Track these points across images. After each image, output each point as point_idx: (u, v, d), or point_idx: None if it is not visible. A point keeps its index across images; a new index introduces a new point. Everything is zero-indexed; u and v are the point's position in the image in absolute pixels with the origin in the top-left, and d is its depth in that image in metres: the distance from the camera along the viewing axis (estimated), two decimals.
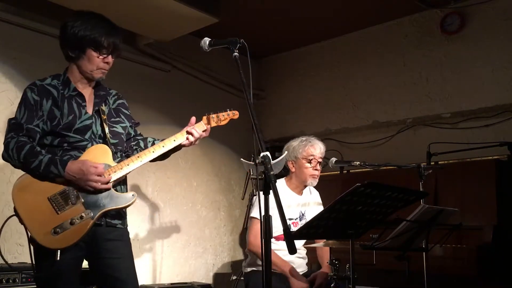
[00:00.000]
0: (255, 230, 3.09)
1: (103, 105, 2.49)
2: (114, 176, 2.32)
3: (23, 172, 2.21)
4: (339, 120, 5.24)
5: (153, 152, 2.43)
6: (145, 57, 4.72)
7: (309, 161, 3.18)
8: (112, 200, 2.32)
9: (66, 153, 2.33)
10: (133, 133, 2.62)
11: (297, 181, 3.26)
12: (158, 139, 2.59)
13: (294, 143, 3.27)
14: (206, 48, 2.25)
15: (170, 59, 4.87)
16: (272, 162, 1.84)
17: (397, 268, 3.11)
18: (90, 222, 2.27)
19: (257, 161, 1.83)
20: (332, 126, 5.27)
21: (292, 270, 3.05)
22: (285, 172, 3.30)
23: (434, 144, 3.83)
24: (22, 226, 2.34)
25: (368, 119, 5.02)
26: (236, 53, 2.09)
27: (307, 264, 3.36)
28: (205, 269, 5.10)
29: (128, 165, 2.36)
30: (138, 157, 2.39)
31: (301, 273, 3.22)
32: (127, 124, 2.57)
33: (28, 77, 3.94)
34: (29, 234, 2.26)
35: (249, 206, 3.86)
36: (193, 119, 2.58)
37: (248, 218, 3.35)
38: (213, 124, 2.66)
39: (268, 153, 1.82)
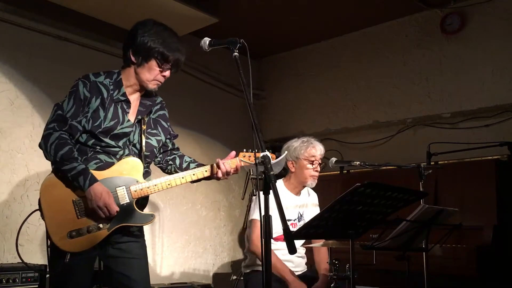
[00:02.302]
0: (258, 231, 3.08)
1: (146, 115, 2.48)
2: (139, 194, 2.35)
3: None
4: (339, 120, 5.24)
5: (182, 178, 2.43)
6: None
7: (311, 162, 3.19)
8: (131, 217, 2.34)
9: (96, 155, 2.34)
10: (170, 146, 2.62)
11: (296, 182, 3.25)
12: (193, 161, 2.59)
13: (295, 143, 3.26)
14: (206, 48, 2.25)
15: None
16: (272, 162, 1.84)
17: (397, 268, 3.11)
18: (105, 233, 2.30)
19: (257, 161, 1.83)
20: (332, 126, 5.27)
21: (291, 274, 3.04)
22: (284, 172, 3.30)
23: (434, 144, 3.83)
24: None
25: (368, 119, 5.02)
26: (236, 53, 2.09)
27: (306, 263, 3.36)
28: (205, 269, 5.10)
29: (155, 185, 2.37)
30: (169, 184, 2.40)
31: (300, 273, 3.23)
32: (163, 138, 2.55)
33: (28, 77, 3.95)
34: (47, 231, 2.27)
35: (249, 207, 3.86)
36: (233, 153, 2.55)
37: (247, 221, 3.34)
38: (245, 164, 2.60)
39: (268, 153, 1.83)
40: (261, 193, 1.83)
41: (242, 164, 2.53)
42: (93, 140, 2.34)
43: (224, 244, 5.33)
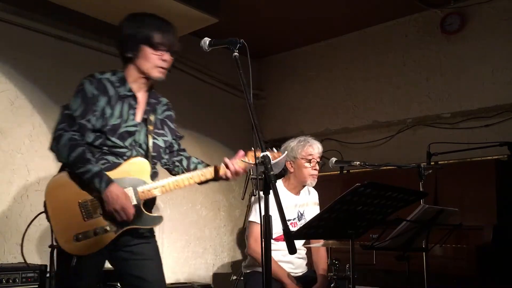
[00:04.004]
0: (255, 234, 3.08)
1: (152, 114, 2.45)
2: (146, 195, 2.32)
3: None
4: (339, 120, 5.24)
5: (190, 178, 2.40)
6: None
7: (309, 161, 3.17)
8: (139, 220, 2.30)
9: (103, 157, 2.30)
10: (176, 147, 2.59)
11: (296, 182, 3.25)
12: (201, 162, 2.56)
13: (292, 143, 3.26)
14: (206, 48, 2.25)
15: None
16: (272, 162, 1.84)
17: (397, 268, 3.11)
18: (112, 236, 2.26)
19: (257, 161, 1.83)
20: (332, 126, 5.27)
21: (288, 277, 3.04)
22: (283, 172, 3.30)
23: (434, 144, 3.83)
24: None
25: (368, 119, 5.02)
26: (236, 53, 2.09)
27: (306, 264, 3.35)
28: (205, 269, 5.10)
29: (163, 186, 2.35)
30: (177, 185, 2.37)
31: (300, 274, 3.22)
32: (169, 138, 2.53)
33: (28, 77, 3.95)
34: (54, 233, 2.25)
35: (249, 207, 3.86)
36: (241, 152, 2.49)
37: (247, 221, 3.33)
38: (247, 162, 2.54)
39: (268, 153, 1.82)
40: (261, 193, 1.83)
41: (245, 164, 2.49)
42: (100, 140, 2.30)
43: (224, 244, 5.33)
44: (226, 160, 2.43)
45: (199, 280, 4.84)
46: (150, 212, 2.38)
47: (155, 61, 2.36)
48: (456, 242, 3.44)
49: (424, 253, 2.92)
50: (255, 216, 3.11)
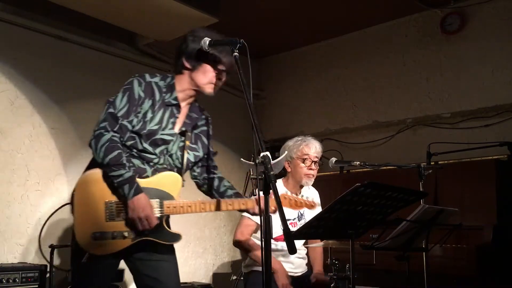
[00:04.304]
0: (243, 226, 3.10)
1: (190, 128, 2.45)
2: (171, 211, 2.30)
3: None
4: (339, 120, 5.24)
5: (217, 206, 2.36)
6: (145, 57, 4.73)
7: (303, 161, 3.17)
8: (158, 233, 2.27)
9: (130, 159, 2.29)
10: (209, 163, 2.57)
11: (294, 182, 3.25)
12: (231, 187, 2.53)
13: (290, 143, 3.26)
14: (206, 48, 2.25)
15: (170, 59, 4.86)
16: (272, 162, 1.84)
17: (397, 268, 3.12)
18: (128, 243, 2.23)
19: (257, 161, 1.83)
20: (332, 126, 5.27)
21: (279, 266, 3.03)
22: (284, 172, 3.30)
23: (434, 144, 3.83)
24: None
25: (368, 119, 5.02)
26: (236, 53, 2.09)
27: (306, 264, 3.35)
28: (205, 269, 5.10)
29: (189, 206, 2.32)
30: (203, 209, 2.34)
31: (300, 274, 3.22)
32: (201, 154, 2.52)
33: (28, 77, 3.95)
34: (74, 226, 2.21)
35: None
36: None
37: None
38: (286, 205, 2.53)
39: (268, 153, 1.82)
40: (261, 193, 1.83)
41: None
42: (132, 142, 2.29)
43: (224, 244, 5.33)
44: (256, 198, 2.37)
45: (199, 280, 4.84)
46: (170, 228, 2.34)
47: (212, 79, 2.37)
48: (456, 242, 3.44)
49: (424, 253, 2.92)
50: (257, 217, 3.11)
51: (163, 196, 2.30)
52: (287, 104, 5.68)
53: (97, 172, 2.24)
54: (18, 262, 3.59)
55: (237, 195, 2.49)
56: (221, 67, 2.35)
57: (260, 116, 5.69)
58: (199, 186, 2.60)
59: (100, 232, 2.19)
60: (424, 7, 4.60)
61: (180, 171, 2.40)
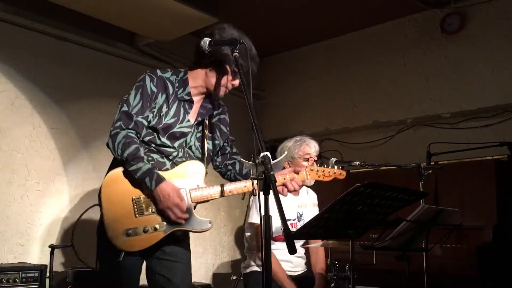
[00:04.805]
0: (257, 235, 3.10)
1: (206, 118, 2.44)
2: (199, 199, 2.29)
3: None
4: (339, 120, 5.24)
5: (244, 187, 2.32)
6: (145, 57, 4.72)
7: (306, 160, 3.18)
8: (189, 222, 2.28)
9: (150, 154, 2.29)
10: (229, 150, 2.57)
11: None
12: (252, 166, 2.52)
13: (289, 143, 3.26)
14: (206, 48, 2.25)
15: (170, 59, 4.87)
16: (272, 162, 1.84)
17: (397, 268, 3.11)
18: (161, 235, 2.24)
19: (257, 161, 1.83)
20: (332, 126, 5.27)
21: (287, 278, 3.04)
22: None
23: (434, 144, 3.83)
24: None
25: (368, 119, 5.02)
26: (236, 53, 2.09)
27: (305, 263, 3.35)
28: (205, 269, 5.10)
29: (216, 192, 2.30)
30: (230, 192, 2.31)
31: (299, 273, 3.22)
32: (220, 142, 2.52)
33: (28, 77, 3.95)
34: (104, 225, 2.21)
35: (249, 207, 3.86)
36: (297, 169, 2.44)
37: (246, 222, 3.33)
38: (316, 178, 2.51)
39: (268, 153, 1.82)
40: (261, 193, 1.83)
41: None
42: (150, 137, 2.30)
43: (224, 244, 5.33)
44: (286, 178, 2.37)
45: (199, 280, 4.84)
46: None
47: (226, 83, 2.37)
48: (456, 242, 3.45)
49: (424, 253, 2.92)
50: (257, 217, 3.11)
51: (189, 184, 2.29)
52: (287, 104, 5.68)
53: (119, 171, 2.25)
54: (18, 262, 3.59)
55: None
56: (237, 76, 2.34)
57: (260, 116, 5.69)
58: (223, 175, 2.58)
59: (132, 228, 2.20)
60: (424, 7, 4.60)
61: (202, 162, 2.40)
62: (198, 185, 2.31)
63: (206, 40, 2.25)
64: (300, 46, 5.59)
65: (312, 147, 3.21)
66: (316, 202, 3.40)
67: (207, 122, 2.45)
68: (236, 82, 2.38)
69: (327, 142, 5.13)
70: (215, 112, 2.51)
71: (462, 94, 4.44)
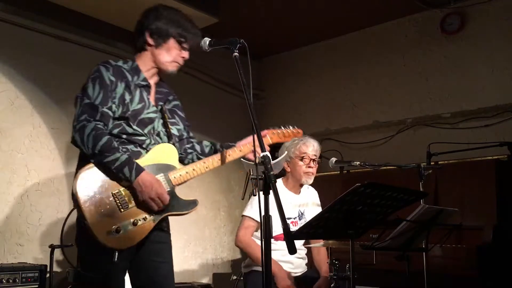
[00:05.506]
0: (245, 227, 3.11)
1: (164, 103, 2.43)
2: (179, 180, 2.28)
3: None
4: (339, 120, 5.24)
5: (219, 160, 2.38)
6: None
7: (301, 159, 3.18)
8: (175, 206, 2.24)
9: (123, 146, 2.21)
10: (185, 135, 2.56)
11: (293, 181, 3.26)
12: (214, 143, 2.55)
13: (287, 143, 3.27)
14: (206, 48, 2.25)
15: None
16: (272, 162, 1.84)
17: (397, 268, 3.11)
18: (152, 224, 2.18)
19: (257, 161, 1.83)
20: (332, 126, 5.27)
21: (279, 269, 3.04)
22: (284, 172, 3.31)
23: (434, 144, 3.83)
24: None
25: (368, 119, 5.02)
26: (236, 53, 2.09)
27: (306, 264, 3.35)
28: (205, 269, 5.10)
29: (194, 170, 2.31)
30: (204, 163, 2.34)
31: (300, 273, 3.22)
32: (181, 127, 2.52)
33: (28, 77, 3.95)
34: (89, 229, 2.07)
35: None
36: (264, 132, 2.53)
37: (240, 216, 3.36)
38: (276, 140, 2.58)
39: (268, 153, 1.83)
40: (261, 193, 1.83)
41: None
42: (119, 129, 2.23)
43: (224, 244, 5.33)
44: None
45: (199, 280, 4.84)
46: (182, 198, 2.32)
47: (175, 57, 2.37)
48: (456, 242, 3.44)
49: (424, 253, 2.92)
50: (250, 211, 3.15)
51: (165, 169, 2.27)
52: (287, 104, 5.67)
53: (89, 168, 2.12)
54: (18, 262, 3.58)
55: (227, 146, 2.50)
56: (185, 45, 2.36)
57: (260, 116, 5.69)
58: (183, 160, 2.53)
59: (120, 224, 2.10)
60: (424, 7, 4.60)
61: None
62: (174, 167, 2.30)
63: (206, 40, 2.25)
64: (300, 46, 5.59)
65: (309, 146, 3.21)
66: (318, 200, 3.40)
67: (166, 108, 2.43)
68: (186, 54, 2.39)
69: (327, 142, 5.12)
70: (170, 98, 2.50)
71: (462, 94, 4.44)
